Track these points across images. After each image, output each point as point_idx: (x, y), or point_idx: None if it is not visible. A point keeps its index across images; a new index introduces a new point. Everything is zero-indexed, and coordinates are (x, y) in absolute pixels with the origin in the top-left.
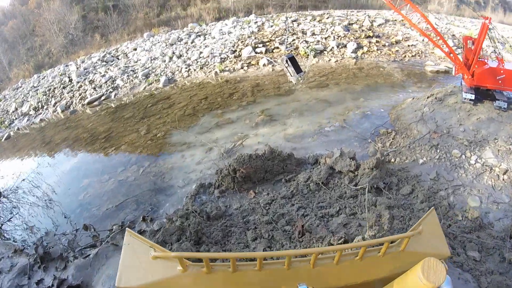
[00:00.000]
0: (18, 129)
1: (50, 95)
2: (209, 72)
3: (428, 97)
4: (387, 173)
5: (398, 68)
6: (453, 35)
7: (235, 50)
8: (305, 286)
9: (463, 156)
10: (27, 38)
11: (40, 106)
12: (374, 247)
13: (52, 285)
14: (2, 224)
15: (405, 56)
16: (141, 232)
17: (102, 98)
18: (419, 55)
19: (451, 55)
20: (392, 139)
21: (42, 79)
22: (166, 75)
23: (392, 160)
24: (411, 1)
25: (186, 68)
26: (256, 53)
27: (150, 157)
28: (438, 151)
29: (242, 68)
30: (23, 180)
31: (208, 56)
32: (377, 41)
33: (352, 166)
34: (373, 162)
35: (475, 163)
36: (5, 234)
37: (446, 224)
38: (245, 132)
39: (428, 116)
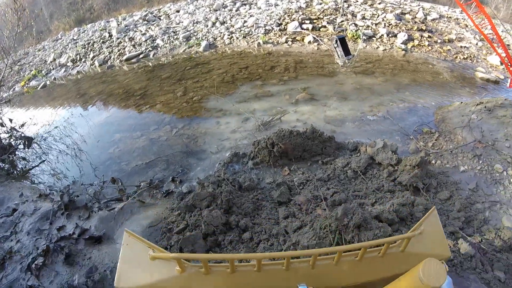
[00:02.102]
0: (54, 79)
1: (89, 49)
2: (252, 42)
3: (477, 104)
4: (427, 174)
5: (448, 68)
6: (508, 45)
7: (281, 23)
8: (305, 287)
9: (505, 172)
10: None
11: (78, 59)
12: (375, 247)
13: (74, 233)
14: (30, 169)
15: (456, 57)
16: (169, 193)
17: (141, 56)
18: (470, 59)
19: (510, 66)
20: (435, 140)
21: (82, 32)
22: (207, 40)
23: (433, 161)
24: (478, 1)
25: (228, 35)
26: (302, 29)
27: (184, 119)
28: (480, 162)
29: (286, 42)
30: (56, 127)
31: (253, 26)
32: (429, 36)
33: (393, 160)
34: (417, 160)
35: None
36: (32, 179)
37: (478, 238)
38: (284, 107)
39: (475, 124)
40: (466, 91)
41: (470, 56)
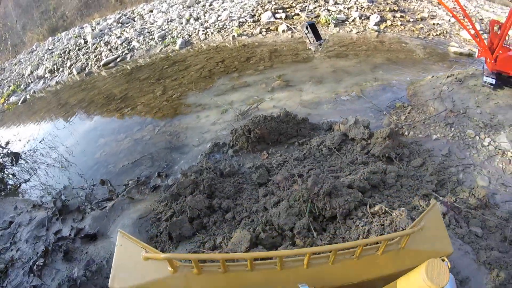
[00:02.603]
0: (34, 92)
1: (66, 58)
2: (227, 35)
3: (448, 77)
4: (400, 145)
5: (421, 46)
6: (481, 19)
7: (254, 15)
8: (306, 286)
9: (477, 137)
10: (41, 1)
11: (55, 69)
12: (372, 245)
13: (70, 234)
14: (20, 184)
15: (429, 34)
16: (156, 187)
17: (118, 59)
18: (443, 35)
19: (477, 37)
20: (408, 113)
21: (57, 41)
22: (183, 38)
23: (406, 133)
24: None
25: (203, 31)
26: (275, 18)
27: (165, 117)
28: (452, 129)
29: (260, 33)
30: (40, 141)
31: (226, 19)
32: (401, 16)
33: (366, 134)
34: (387, 131)
35: (488, 145)
36: (24, 194)
37: (452, 198)
38: (261, 96)
39: (446, 94)
40: (440, 66)
41: (443, 32)
